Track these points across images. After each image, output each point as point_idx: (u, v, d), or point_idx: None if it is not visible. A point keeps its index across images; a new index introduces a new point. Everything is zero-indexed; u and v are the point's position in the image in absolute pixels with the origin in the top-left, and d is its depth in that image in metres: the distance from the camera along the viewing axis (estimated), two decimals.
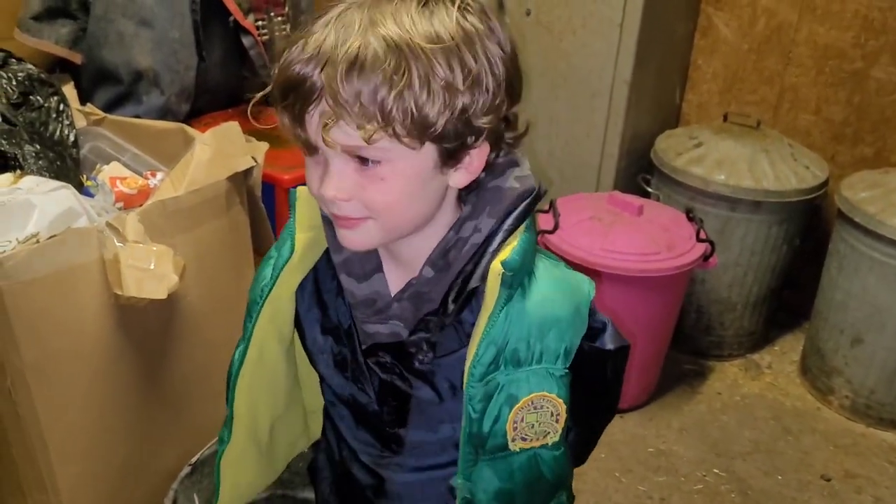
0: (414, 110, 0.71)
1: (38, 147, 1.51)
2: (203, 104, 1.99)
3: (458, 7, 0.75)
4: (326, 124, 0.72)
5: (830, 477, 2.12)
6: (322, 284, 0.94)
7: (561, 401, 0.82)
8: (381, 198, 0.77)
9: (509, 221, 0.82)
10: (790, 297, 2.63)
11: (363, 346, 0.90)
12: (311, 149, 0.77)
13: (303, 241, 0.92)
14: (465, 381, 0.81)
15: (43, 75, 1.64)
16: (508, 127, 0.81)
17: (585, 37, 2.35)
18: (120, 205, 1.57)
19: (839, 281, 2.28)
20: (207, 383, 1.71)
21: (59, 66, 1.85)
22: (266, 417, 1.07)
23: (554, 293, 0.82)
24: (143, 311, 1.41)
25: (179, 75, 1.82)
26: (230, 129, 1.62)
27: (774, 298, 2.55)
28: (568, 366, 0.83)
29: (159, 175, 1.66)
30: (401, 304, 0.85)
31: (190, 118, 1.91)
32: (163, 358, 1.57)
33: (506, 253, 0.79)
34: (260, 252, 1.82)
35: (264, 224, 1.78)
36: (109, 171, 1.65)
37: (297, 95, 0.73)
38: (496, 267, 0.79)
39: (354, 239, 0.81)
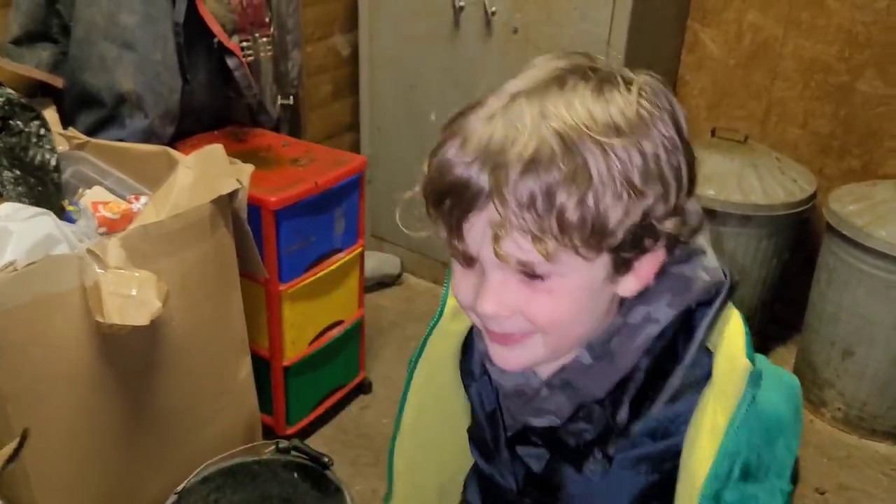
0: (595, 220, 0.62)
1: (17, 172, 1.49)
2: (188, 126, 1.97)
3: (635, 90, 0.64)
4: (497, 235, 0.62)
5: (825, 490, 2.10)
6: (469, 355, 0.88)
7: None
8: (548, 313, 0.67)
9: (710, 313, 0.71)
10: (781, 311, 2.62)
11: (509, 433, 0.81)
12: (471, 261, 0.68)
13: (454, 306, 0.86)
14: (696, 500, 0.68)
15: (23, 100, 1.62)
16: (684, 224, 0.69)
17: None
18: (103, 230, 1.55)
19: (829, 294, 2.28)
20: (194, 411, 1.69)
21: (41, 91, 1.83)
22: (432, 479, 1.00)
23: (773, 392, 0.69)
24: (126, 338, 1.39)
25: (163, 98, 1.81)
26: (214, 151, 1.61)
27: (765, 311, 2.54)
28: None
29: (143, 199, 1.64)
30: (552, 394, 0.74)
31: (175, 140, 1.89)
32: (147, 385, 1.54)
33: (738, 344, 0.69)
34: (246, 276, 1.80)
35: (250, 247, 1.77)
36: (92, 196, 1.63)
37: (457, 201, 0.64)
38: (739, 362, 0.67)
39: (512, 357, 0.72)
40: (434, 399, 0.93)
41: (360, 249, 2.09)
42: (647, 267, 0.69)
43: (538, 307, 0.67)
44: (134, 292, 1.32)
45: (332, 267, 2.00)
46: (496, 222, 0.62)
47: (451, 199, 0.64)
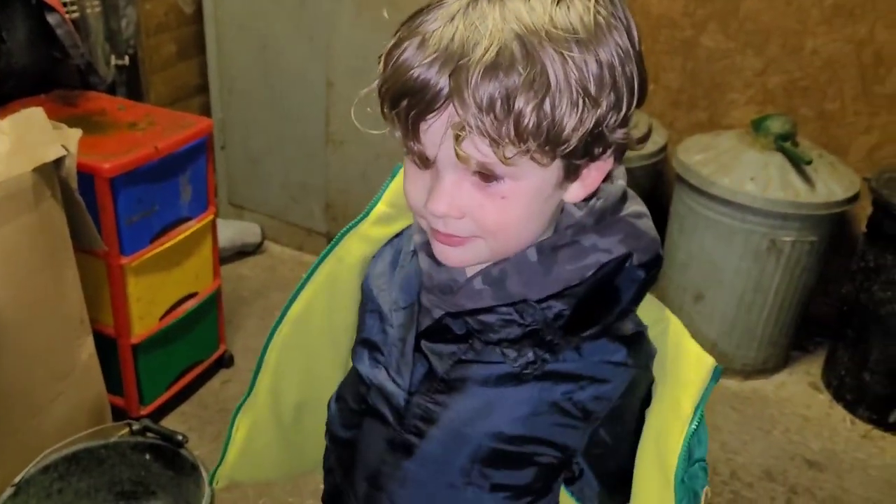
0: (552, 125, 0.62)
1: None
2: (8, 90, 1.80)
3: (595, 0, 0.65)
4: (458, 136, 0.62)
5: None
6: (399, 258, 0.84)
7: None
8: (498, 218, 0.68)
9: (638, 275, 0.72)
10: None
11: (420, 329, 0.78)
12: (426, 162, 0.67)
13: (380, 212, 0.84)
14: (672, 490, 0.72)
15: None
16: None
17: None
18: None
19: (680, 241, 2.37)
20: (28, 397, 1.57)
21: None
22: (291, 393, 0.96)
23: None
24: None
25: None
26: (33, 115, 1.47)
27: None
28: None
29: None
30: (482, 288, 0.72)
31: None
32: None
33: (691, 341, 0.74)
34: (82, 249, 1.68)
35: (84, 218, 1.64)
36: None
37: (414, 102, 0.63)
38: (706, 359, 0.72)
39: (455, 255, 0.71)
40: (327, 301, 0.90)
41: (210, 217, 1.99)
42: (594, 174, 0.70)
43: (489, 211, 0.67)
44: None
45: (181, 237, 1.90)
46: (456, 124, 0.62)
47: (409, 101, 0.63)
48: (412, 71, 0.62)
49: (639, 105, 0.69)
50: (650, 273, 0.74)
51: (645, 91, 0.69)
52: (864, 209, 2.28)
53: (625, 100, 0.66)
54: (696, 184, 2.25)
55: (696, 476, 0.72)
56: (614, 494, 0.78)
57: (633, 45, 0.66)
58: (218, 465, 1.04)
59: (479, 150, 0.63)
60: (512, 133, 0.62)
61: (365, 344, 0.85)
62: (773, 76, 2.45)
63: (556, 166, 0.67)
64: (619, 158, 0.71)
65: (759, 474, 2.08)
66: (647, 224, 0.75)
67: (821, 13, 2.33)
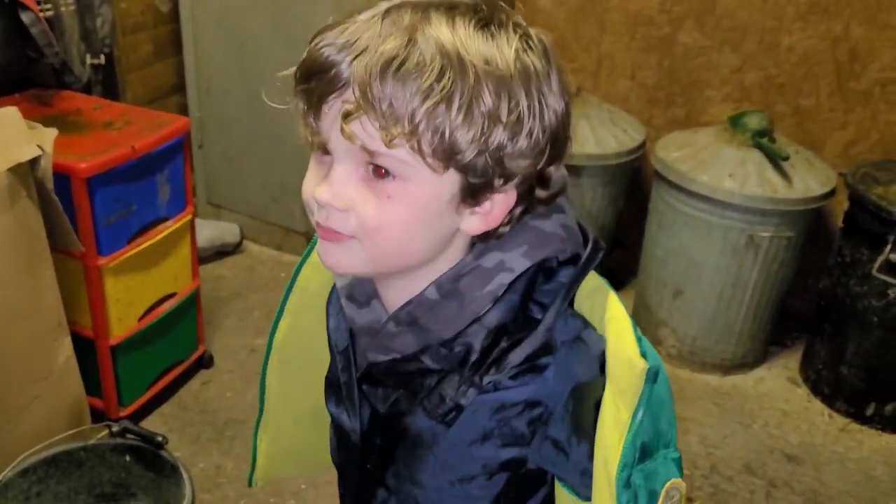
0: (446, 130, 0.62)
1: None
2: None
3: (521, 38, 0.66)
4: (349, 114, 0.63)
5: None
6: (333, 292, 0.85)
7: (684, 483, 0.73)
8: (379, 215, 0.66)
9: (564, 276, 0.71)
10: (619, 257, 2.73)
11: (359, 373, 0.80)
12: (321, 145, 0.68)
13: None
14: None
15: None
16: (542, 184, 0.70)
17: None
18: None
19: (659, 238, 2.39)
20: (5, 400, 1.56)
21: None
22: (305, 399, 0.97)
23: None
24: None
25: None
26: (6, 114, 1.46)
27: (603, 259, 2.63)
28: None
29: None
30: (400, 331, 0.73)
31: None
32: None
33: (628, 339, 0.69)
34: (58, 249, 1.66)
35: (61, 219, 1.63)
36: None
37: (319, 81, 0.65)
38: (636, 363, 0.67)
39: (337, 257, 0.70)
40: (307, 326, 0.91)
41: (189, 217, 1.98)
42: (496, 209, 0.69)
43: (372, 208, 0.67)
44: None
45: (159, 237, 1.88)
46: (349, 104, 0.64)
47: (315, 79, 0.65)
48: (323, 50, 0.65)
49: (553, 157, 0.68)
50: (578, 272, 0.73)
51: (563, 147, 0.69)
52: (841, 204, 2.30)
53: (534, 135, 0.66)
54: (675, 180, 2.26)
55: (655, 473, 0.70)
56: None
57: (554, 94, 0.67)
58: (252, 471, 1.06)
59: (366, 131, 0.64)
60: (407, 128, 0.62)
61: (330, 384, 0.87)
62: (749, 73, 2.48)
63: (452, 180, 0.66)
64: (523, 200, 0.70)
65: (739, 468, 2.09)
66: (559, 221, 0.74)
67: (796, 10, 2.35)
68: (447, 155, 0.64)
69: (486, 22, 0.66)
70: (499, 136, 0.64)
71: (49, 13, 1.77)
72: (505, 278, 0.70)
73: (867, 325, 2.20)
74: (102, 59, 1.99)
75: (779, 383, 2.44)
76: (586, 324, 0.75)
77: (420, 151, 0.63)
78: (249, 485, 1.07)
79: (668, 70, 2.57)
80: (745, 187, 2.16)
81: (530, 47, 0.66)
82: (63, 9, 1.81)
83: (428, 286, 0.71)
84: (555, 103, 0.67)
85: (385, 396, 0.79)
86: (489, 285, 0.70)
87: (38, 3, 1.73)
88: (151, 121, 1.87)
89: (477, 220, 0.69)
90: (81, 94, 1.98)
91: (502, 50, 0.64)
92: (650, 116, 2.66)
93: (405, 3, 0.66)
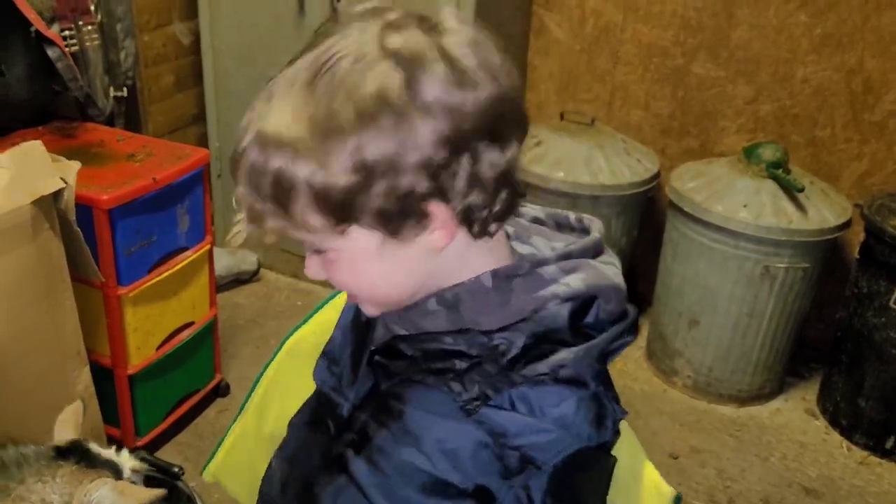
0: (293, 217, 0.67)
1: None
2: (7, 122, 1.82)
3: (407, 82, 0.65)
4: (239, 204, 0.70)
5: (678, 455, 2.21)
6: None
7: None
8: (342, 283, 0.73)
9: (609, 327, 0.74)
10: (633, 286, 2.73)
11: (374, 345, 0.80)
12: None
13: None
14: None
15: None
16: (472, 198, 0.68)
17: None
18: None
19: (674, 267, 2.39)
20: (24, 429, 1.56)
21: None
22: (274, 409, 0.99)
23: None
24: None
25: None
26: (32, 148, 1.49)
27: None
28: None
29: None
30: (437, 309, 0.73)
31: None
32: None
33: (649, 466, 0.78)
34: (79, 279, 1.68)
35: (82, 249, 1.65)
36: None
37: None
38: (664, 489, 0.77)
39: (366, 310, 0.78)
40: (313, 341, 0.92)
41: (207, 247, 2.00)
42: (437, 220, 0.68)
43: (333, 276, 0.73)
44: None
45: (178, 266, 1.90)
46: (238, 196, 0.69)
47: None
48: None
49: (443, 194, 0.66)
50: (618, 332, 0.73)
51: (463, 180, 0.67)
52: (857, 235, 2.30)
53: (399, 174, 0.64)
54: (690, 210, 2.26)
55: None
56: None
57: (447, 109, 0.65)
58: (208, 462, 1.14)
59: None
60: (256, 218, 0.68)
61: (326, 355, 0.87)
62: (763, 104, 2.49)
63: (362, 231, 0.68)
64: (464, 221, 0.70)
65: (757, 502, 2.07)
66: (613, 271, 0.77)
67: (810, 42, 2.36)
68: (336, 220, 0.66)
69: (323, 69, 0.66)
70: (361, 190, 0.64)
71: (74, 48, 1.81)
72: (560, 289, 0.72)
73: (885, 357, 2.19)
74: (125, 92, 2.02)
75: (796, 415, 2.42)
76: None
77: (300, 230, 0.68)
78: (200, 473, 1.14)
79: (682, 101, 2.59)
80: (760, 218, 2.16)
81: (400, 56, 0.67)
82: (88, 44, 1.85)
83: (483, 273, 0.73)
84: (436, 126, 0.64)
85: (396, 372, 0.76)
86: (541, 291, 0.72)
87: (64, 39, 1.77)
88: (172, 152, 1.90)
89: (438, 236, 0.69)
90: (104, 126, 2.02)
91: (382, 90, 0.63)
92: (664, 147, 2.67)
93: (270, 82, 0.70)
